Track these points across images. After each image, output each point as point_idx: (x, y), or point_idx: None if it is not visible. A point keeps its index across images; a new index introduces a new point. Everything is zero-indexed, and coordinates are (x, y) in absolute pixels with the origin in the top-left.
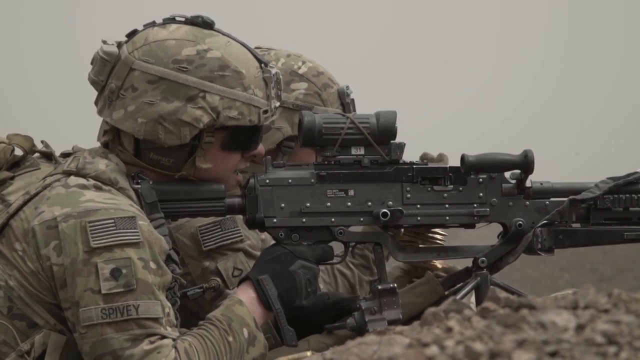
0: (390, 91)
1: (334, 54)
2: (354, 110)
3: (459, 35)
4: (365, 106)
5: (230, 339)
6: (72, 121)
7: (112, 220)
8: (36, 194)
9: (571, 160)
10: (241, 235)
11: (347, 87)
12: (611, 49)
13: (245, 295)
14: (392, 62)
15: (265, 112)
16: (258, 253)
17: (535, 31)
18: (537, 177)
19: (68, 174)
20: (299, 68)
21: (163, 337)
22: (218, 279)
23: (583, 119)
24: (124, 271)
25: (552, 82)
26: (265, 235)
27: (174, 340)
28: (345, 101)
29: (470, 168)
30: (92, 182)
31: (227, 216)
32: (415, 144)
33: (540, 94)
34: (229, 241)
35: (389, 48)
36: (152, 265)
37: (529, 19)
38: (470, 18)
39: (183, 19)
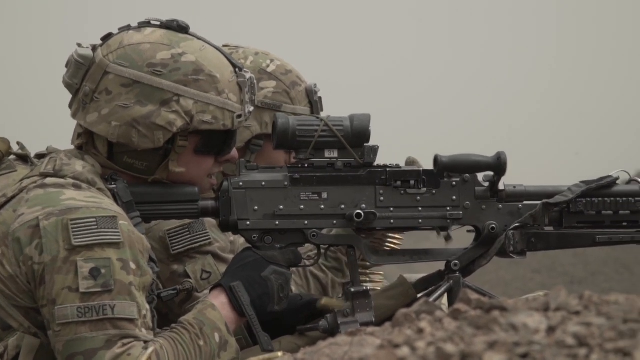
0: (403, 100)
1: (350, 63)
2: (322, 109)
3: (468, 42)
4: (379, 114)
5: (201, 343)
6: (46, 123)
7: (94, 219)
8: (13, 197)
9: (571, 160)
10: (209, 238)
11: (315, 85)
12: (612, 50)
13: (218, 300)
14: (406, 71)
15: (239, 116)
16: (227, 255)
17: (540, 34)
18: (537, 177)
19: (45, 176)
20: (268, 66)
21: (136, 339)
22: (192, 280)
23: (583, 119)
24: (103, 271)
25: (553, 83)
26: (234, 237)
27: (145, 342)
28: (313, 99)
29: (444, 169)
30: (70, 181)
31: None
32: (422, 148)
33: (541, 94)
34: (197, 244)
35: (403, 56)
36: (132, 265)
37: (534, 23)
38: (478, 24)
39: (158, 23)
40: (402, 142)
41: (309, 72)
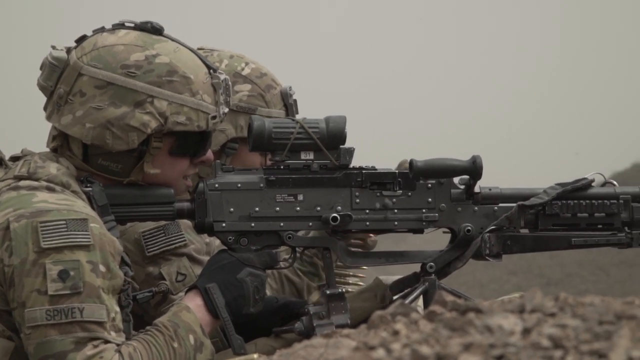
0: (404, 102)
1: (352, 66)
2: (297, 111)
3: (469, 44)
4: (380, 117)
5: (176, 345)
6: (20, 126)
7: (64, 222)
8: None
9: (571, 160)
10: (185, 240)
11: (290, 88)
12: (612, 52)
13: (193, 302)
14: (407, 74)
15: (214, 117)
16: (203, 257)
17: (541, 36)
18: (538, 177)
19: (19, 178)
20: (242, 69)
21: (106, 341)
22: (167, 282)
23: (583, 119)
24: (71, 273)
25: (553, 84)
26: (209, 238)
27: (117, 345)
28: (288, 102)
29: (419, 173)
30: (44, 184)
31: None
32: (424, 150)
33: (541, 95)
34: (172, 246)
35: (404, 59)
36: (102, 268)
37: (535, 26)
38: (479, 26)
39: (132, 25)
40: (403, 143)
41: (309, 77)
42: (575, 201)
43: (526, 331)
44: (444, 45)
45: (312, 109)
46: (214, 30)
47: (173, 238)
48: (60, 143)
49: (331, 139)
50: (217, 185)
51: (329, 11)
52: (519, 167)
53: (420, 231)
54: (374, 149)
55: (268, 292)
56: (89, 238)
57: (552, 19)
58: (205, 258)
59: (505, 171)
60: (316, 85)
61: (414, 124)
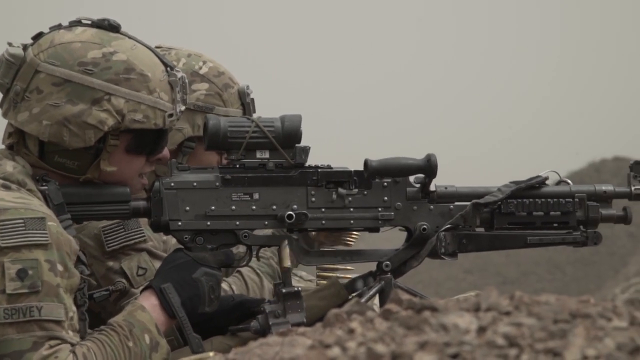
0: (404, 103)
1: (353, 67)
2: (254, 110)
3: (469, 44)
4: (380, 118)
5: (131, 344)
6: None
7: (22, 220)
8: None
9: (571, 160)
10: (144, 236)
11: (248, 87)
12: (612, 52)
13: (148, 301)
14: (407, 74)
15: (171, 115)
16: (162, 253)
17: (541, 36)
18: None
19: None
20: (200, 68)
21: (63, 341)
22: (124, 280)
23: (583, 119)
24: (30, 272)
25: (553, 84)
26: (166, 237)
27: (72, 345)
28: (245, 101)
29: (374, 173)
30: (0, 181)
31: None
32: (425, 150)
33: (541, 95)
34: (132, 241)
35: (404, 59)
36: (59, 267)
37: (535, 26)
38: (479, 26)
39: (89, 22)
40: (403, 143)
41: (309, 77)
42: (531, 200)
43: (481, 330)
44: (444, 45)
45: (312, 109)
46: (214, 30)
47: (133, 233)
48: (16, 140)
49: (286, 137)
50: (172, 184)
51: (328, 11)
52: (520, 167)
53: (376, 230)
54: (373, 149)
55: (234, 288)
56: (46, 237)
57: (552, 19)
58: (164, 255)
59: (506, 171)
60: (316, 85)
61: (413, 124)
